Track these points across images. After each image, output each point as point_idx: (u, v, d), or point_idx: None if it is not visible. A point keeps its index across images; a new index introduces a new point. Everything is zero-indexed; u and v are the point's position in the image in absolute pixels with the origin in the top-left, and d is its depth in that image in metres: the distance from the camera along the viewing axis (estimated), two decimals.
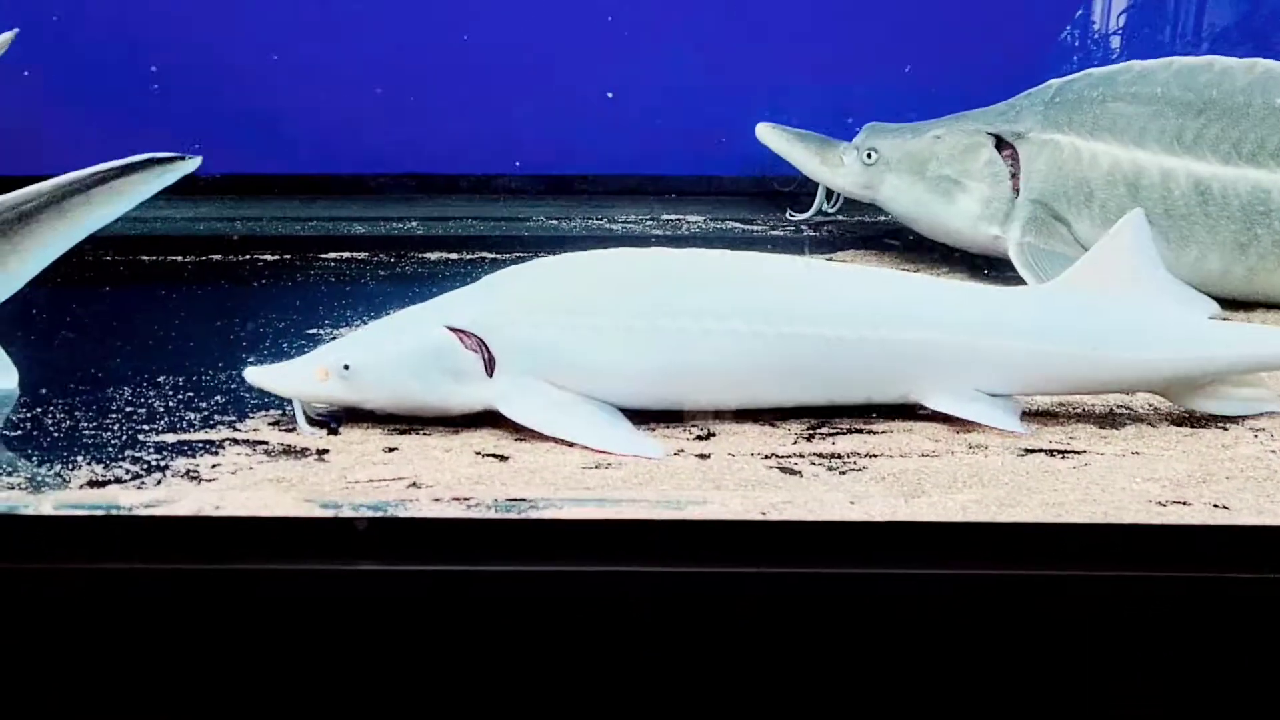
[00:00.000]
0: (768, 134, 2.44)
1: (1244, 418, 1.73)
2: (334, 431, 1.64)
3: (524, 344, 1.63)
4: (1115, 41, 2.80)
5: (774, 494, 1.45)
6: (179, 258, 2.49)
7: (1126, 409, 1.78)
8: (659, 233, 2.63)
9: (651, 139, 2.67)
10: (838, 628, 1.35)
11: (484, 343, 1.64)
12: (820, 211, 2.49)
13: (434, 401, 1.65)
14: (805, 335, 1.64)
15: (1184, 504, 1.41)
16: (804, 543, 1.34)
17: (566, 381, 1.63)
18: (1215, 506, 1.40)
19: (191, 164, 1.81)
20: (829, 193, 2.46)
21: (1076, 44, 2.84)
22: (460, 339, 1.64)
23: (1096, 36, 2.81)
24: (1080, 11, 2.80)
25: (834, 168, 2.40)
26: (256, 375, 1.66)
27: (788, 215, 2.55)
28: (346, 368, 1.65)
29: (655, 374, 1.64)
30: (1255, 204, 2.16)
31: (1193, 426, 1.71)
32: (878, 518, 1.35)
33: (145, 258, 2.48)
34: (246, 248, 2.51)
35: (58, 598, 1.34)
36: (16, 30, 1.66)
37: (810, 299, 1.67)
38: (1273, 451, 1.61)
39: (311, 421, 1.65)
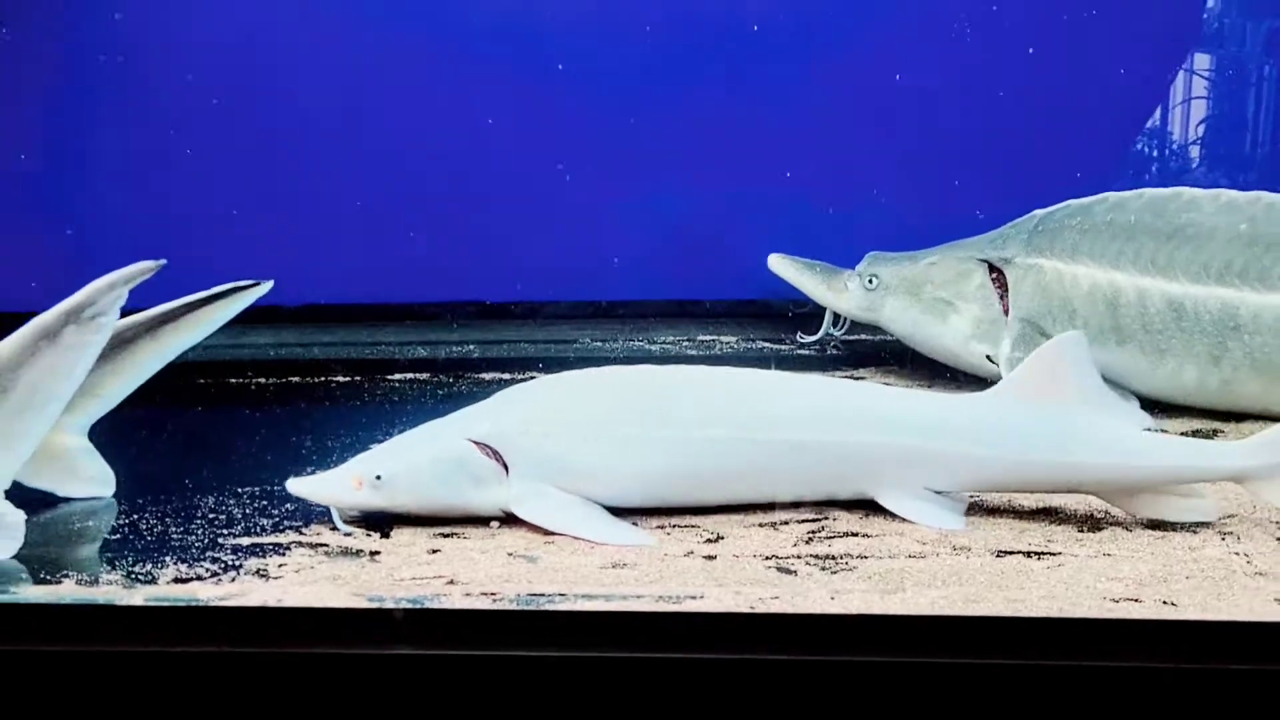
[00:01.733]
0: (779, 264, 2.67)
1: (1216, 523, 1.86)
2: (385, 536, 1.85)
3: (533, 453, 1.85)
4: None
5: (766, 590, 1.62)
6: (261, 380, 2.77)
7: (1106, 514, 1.93)
8: (694, 352, 2.84)
9: (688, 266, 2.90)
10: (817, 711, 1.51)
11: (498, 453, 1.86)
12: (828, 333, 2.69)
13: (457, 504, 1.87)
14: (776, 440, 1.86)
15: (1136, 601, 1.55)
16: (785, 633, 1.51)
17: (571, 485, 1.85)
18: (1164, 603, 1.54)
19: (264, 287, 2.08)
20: (835, 316, 2.66)
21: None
22: (478, 449, 1.86)
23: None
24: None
25: (839, 293, 2.61)
26: (297, 485, 1.89)
27: (798, 338, 2.76)
28: (379, 477, 1.86)
29: (648, 477, 1.86)
30: (1225, 319, 2.31)
31: (1165, 531, 1.85)
32: (852, 611, 1.52)
33: (232, 380, 2.76)
34: (321, 371, 2.78)
35: (146, 677, 1.57)
36: (163, 261, 1.92)
37: (780, 407, 1.89)
38: (1236, 554, 1.74)
39: (349, 522, 1.87)
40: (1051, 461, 1.84)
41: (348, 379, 2.76)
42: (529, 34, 2.85)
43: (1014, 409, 1.87)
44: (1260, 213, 2.30)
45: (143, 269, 1.84)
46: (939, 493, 1.87)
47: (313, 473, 1.95)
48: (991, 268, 2.50)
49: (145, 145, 2.87)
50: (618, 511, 1.89)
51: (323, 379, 2.76)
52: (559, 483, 1.85)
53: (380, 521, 1.89)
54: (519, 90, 2.85)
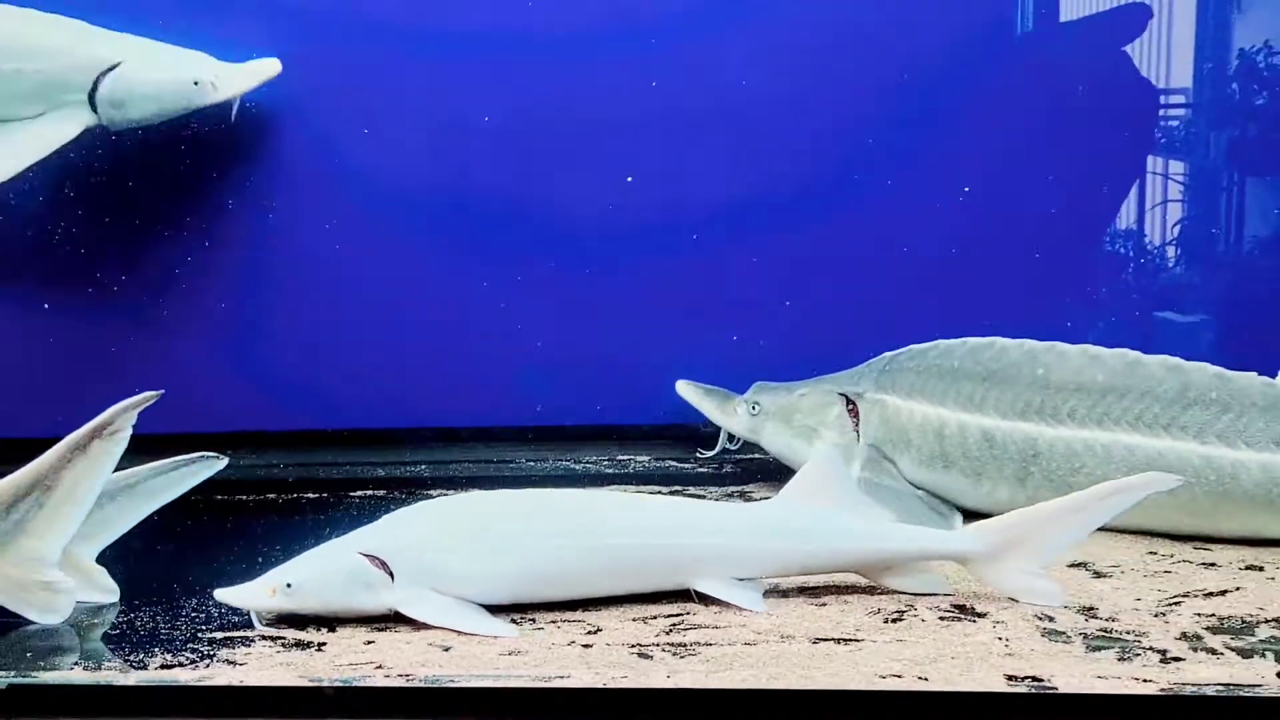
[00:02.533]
0: (684, 389, 3.15)
1: (991, 615, 2.31)
2: (331, 630, 2.30)
3: (414, 563, 2.29)
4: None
5: (621, 670, 2.07)
6: (243, 496, 3.25)
7: (913, 608, 2.36)
8: (611, 470, 3.33)
9: (611, 397, 3.40)
10: None
11: (385, 564, 2.28)
12: (724, 450, 3.16)
13: (354, 607, 2.27)
14: (611, 545, 2.34)
15: (897, 676, 1.99)
16: (628, 704, 1.96)
17: (448, 589, 2.29)
18: (919, 678, 1.98)
19: (222, 463, 2.62)
20: (730, 435, 3.14)
21: None
22: (370, 562, 2.28)
23: None
24: None
25: (730, 416, 3.08)
26: (223, 594, 2.28)
27: (697, 453, 3.23)
28: (289, 585, 2.25)
29: (513, 580, 2.31)
30: (1027, 448, 2.79)
31: (954, 621, 2.28)
32: (673, 686, 1.96)
33: (219, 496, 3.24)
34: (294, 489, 3.27)
35: None
36: (161, 392, 2.40)
37: (614, 520, 2.37)
38: (999, 639, 2.18)
39: (265, 623, 2.28)
40: (823, 549, 2.37)
41: (316, 495, 3.25)
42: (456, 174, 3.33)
43: (793, 511, 2.40)
44: (1054, 360, 2.79)
45: (147, 398, 2.35)
46: (744, 580, 2.36)
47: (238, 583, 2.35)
48: (848, 400, 2.98)
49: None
50: (498, 608, 2.30)
51: (294, 495, 3.24)
52: (437, 586, 2.29)
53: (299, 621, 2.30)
54: (457, 240, 3.35)
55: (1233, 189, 3.44)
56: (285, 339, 3.41)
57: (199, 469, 2.61)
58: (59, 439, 2.35)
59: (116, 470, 2.42)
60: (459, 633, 2.23)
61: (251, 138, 3.25)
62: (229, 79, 3.01)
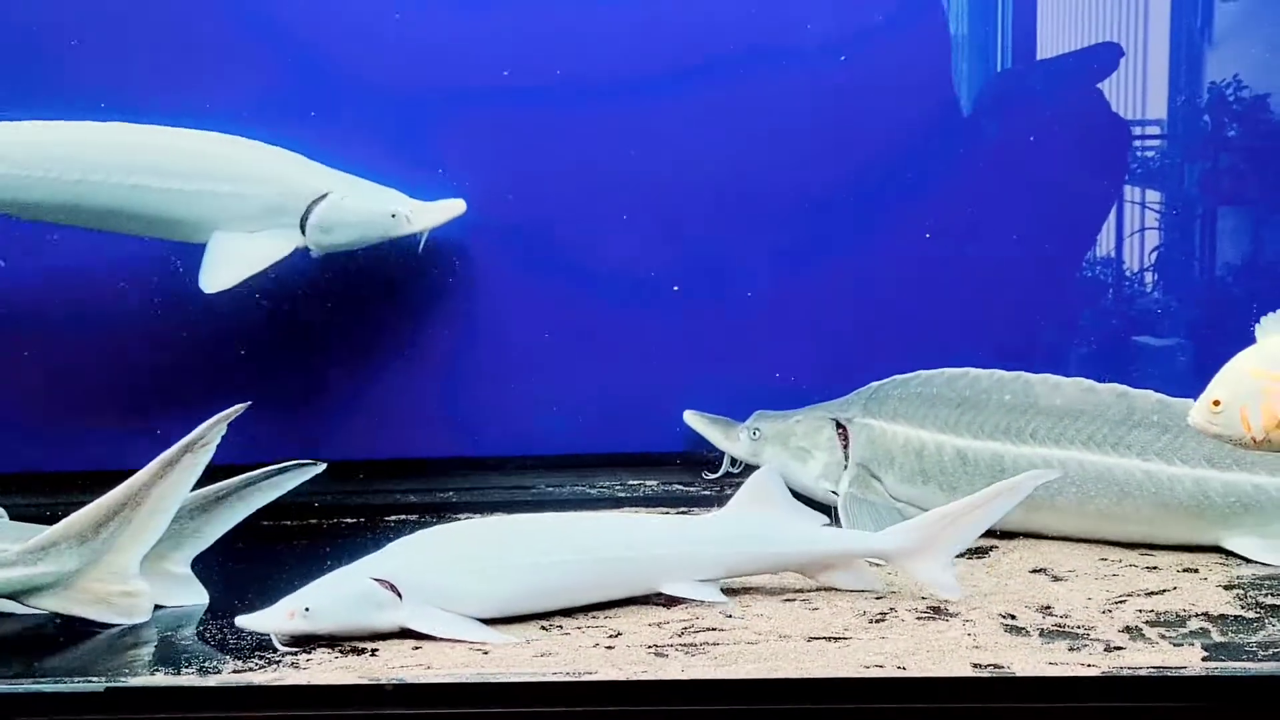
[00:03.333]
0: (691, 418, 3.48)
1: (962, 615, 2.62)
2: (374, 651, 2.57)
3: (421, 585, 2.54)
4: None
5: (640, 667, 2.38)
6: (287, 522, 3.56)
7: (894, 610, 2.68)
8: (623, 494, 3.66)
9: (622, 426, 3.72)
10: None
11: (394, 586, 2.52)
12: (727, 473, 3.48)
13: (366, 626, 2.50)
14: (599, 558, 2.66)
15: (879, 666, 2.31)
16: (648, 694, 2.27)
17: (452, 606, 2.55)
18: (899, 667, 2.30)
19: (320, 468, 2.95)
20: (733, 460, 3.46)
21: None
22: (379, 584, 2.52)
23: None
24: None
25: (733, 441, 3.41)
26: (244, 619, 2.47)
27: (704, 475, 3.56)
28: (307, 609, 2.45)
29: (510, 596, 2.60)
30: (995, 465, 3.14)
31: (929, 621, 2.59)
32: (685, 677, 2.28)
33: (265, 521, 3.51)
34: (332, 514, 3.59)
35: None
36: (249, 403, 2.73)
37: (605, 537, 2.70)
38: (968, 635, 2.49)
39: (285, 644, 2.47)
40: (768, 552, 2.74)
41: (353, 520, 3.57)
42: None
43: (741, 520, 2.77)
44: (1019, 387, 3.15)
45: (234, 411, 2.67)
46: (705, 580, 2.72)
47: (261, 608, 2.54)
48: (838, 424, 3.32)
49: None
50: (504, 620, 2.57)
51: (334, 520, 3.56)
52: (440, 604, 2.54)
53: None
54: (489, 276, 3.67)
55: (1207, 218, 3.75)
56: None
57: (291, 476, 2.92)
58: None
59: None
60: (462, 642, 2.48)
61: None
62: (421, 214, 3.38)
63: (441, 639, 2.49)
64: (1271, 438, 2.47)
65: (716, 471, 3.52)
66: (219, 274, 3.26)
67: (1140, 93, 3.69)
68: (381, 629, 2.52)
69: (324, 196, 3.33)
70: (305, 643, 2.49)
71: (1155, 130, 3.72)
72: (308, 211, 3.31)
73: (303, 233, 3.31)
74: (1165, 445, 3.03)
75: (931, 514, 2.74)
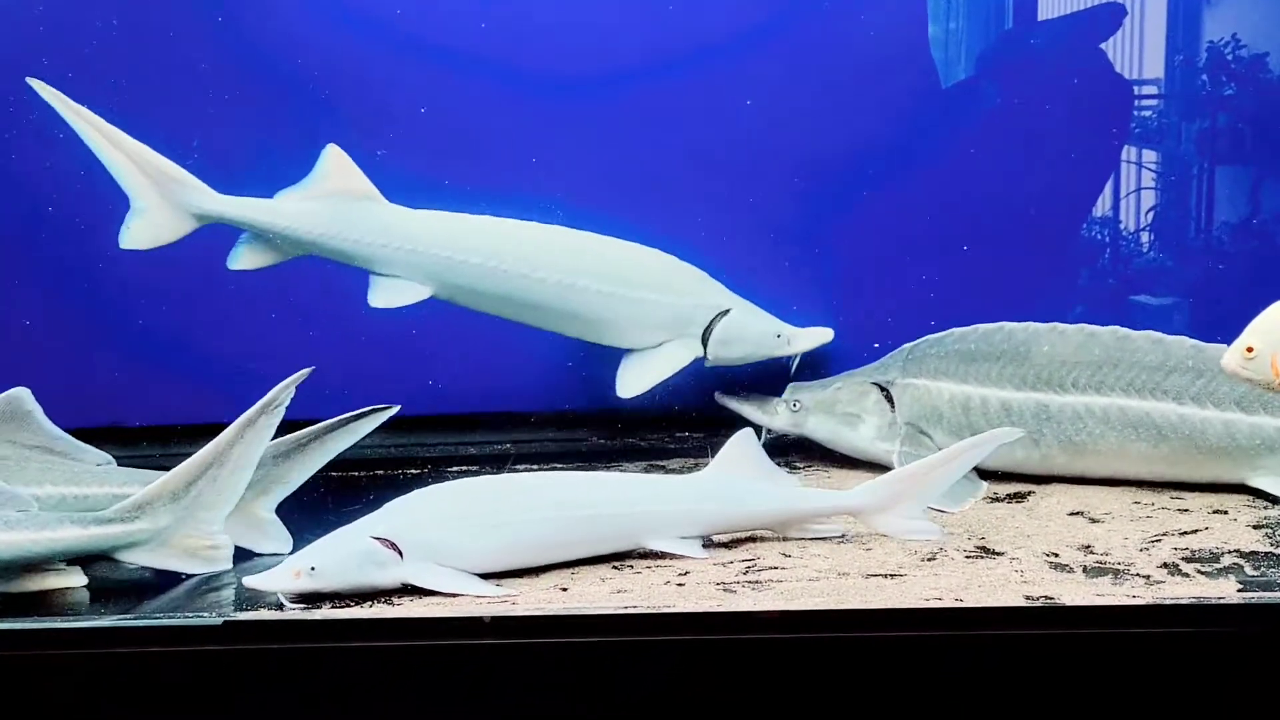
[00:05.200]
0: (723, 399, 3.64)
1: (1008, 553, 2.80)
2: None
3: (420, 542, 2.63)
4: None
5: (713, 601, 2.55)
6: (355, 473, 3.73)
7: (944, 550, 2.86)
8: (672, 446, 3.85)
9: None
10: (741, 674, 2.45)
11: (395, 545, 2.61)
12: (766, 444, 3.52)
13: (368, 583, 2.59)
14: (587, 515, 2.79)
15: (939, 599, 2.50)
16: (722, 625, 2.45)
17: (449, 561, 2.65)
18: (956, 600, 2.48)
19: (394, 410, 3.13)
20: (766, 430, 3.60)
21: None
22: (380, 544, 2.61)
23: None
24: None
25: (772, 415, 3.57)
26: (251, 580, 2.57)
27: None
28: (313, 569, 2.54)
29: (503, 551, 2.71)
30: (1040, 414, 3.31)
31: (978, 559, 2.77)
32: (755, 609, 2.46)
33: (333, 473, 3.69)
34: (399, 465, 3.77)
35: (320, 665, 2.49)
36: (314, 368, 2.93)
37: (589, 494, 2.84)
38: (1016, 572, 2.65)
39: (293, 603, 2.56)
40: (744, 511, 2.90)
41: (418, 471, 3.74)
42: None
43: (719, 480, 2.93)
44: (1056, 338, 3.33)
45: (304, 374, 2.87)
46: (686, 537, 2.85)
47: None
48: (881, 388, 3.49)
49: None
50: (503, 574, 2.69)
51: (400, 471, 3.73)
52: (441, 561, 2.65)
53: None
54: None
55: (1205, 179, 3.88)
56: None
57: (366, 422, 3.09)
58: None
59: None
60: (462, 595, 2.60)
61: None
62: (799, 338, 3.66)
63: (443, 594, 2.62)
64: None
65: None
66: (633, 382, 3.57)
67: (1139, 52, 3.83)
68: (384, 585, 2.62)
69: (726, 312, 3.58)
70: (311, 600, 2.60)
71: (1154, 90, 3.87)
72: (711, 325, 3.56)
73: (703, 345, 3.56)
74: (1199, 389, 3.21)
75: (898, 471, 2.93)
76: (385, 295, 3.51)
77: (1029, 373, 3.34)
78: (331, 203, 3.49)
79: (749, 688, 2.45)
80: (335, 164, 3.49)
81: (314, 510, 3.18)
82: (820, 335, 3.65)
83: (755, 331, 3.60)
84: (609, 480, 3.04)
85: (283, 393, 2.85)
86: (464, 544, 2.68)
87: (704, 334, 3.57)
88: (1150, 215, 3.88)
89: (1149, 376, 3.25)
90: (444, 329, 3.84)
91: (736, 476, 2.95)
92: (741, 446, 2.97)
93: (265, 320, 3.86)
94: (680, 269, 3.63)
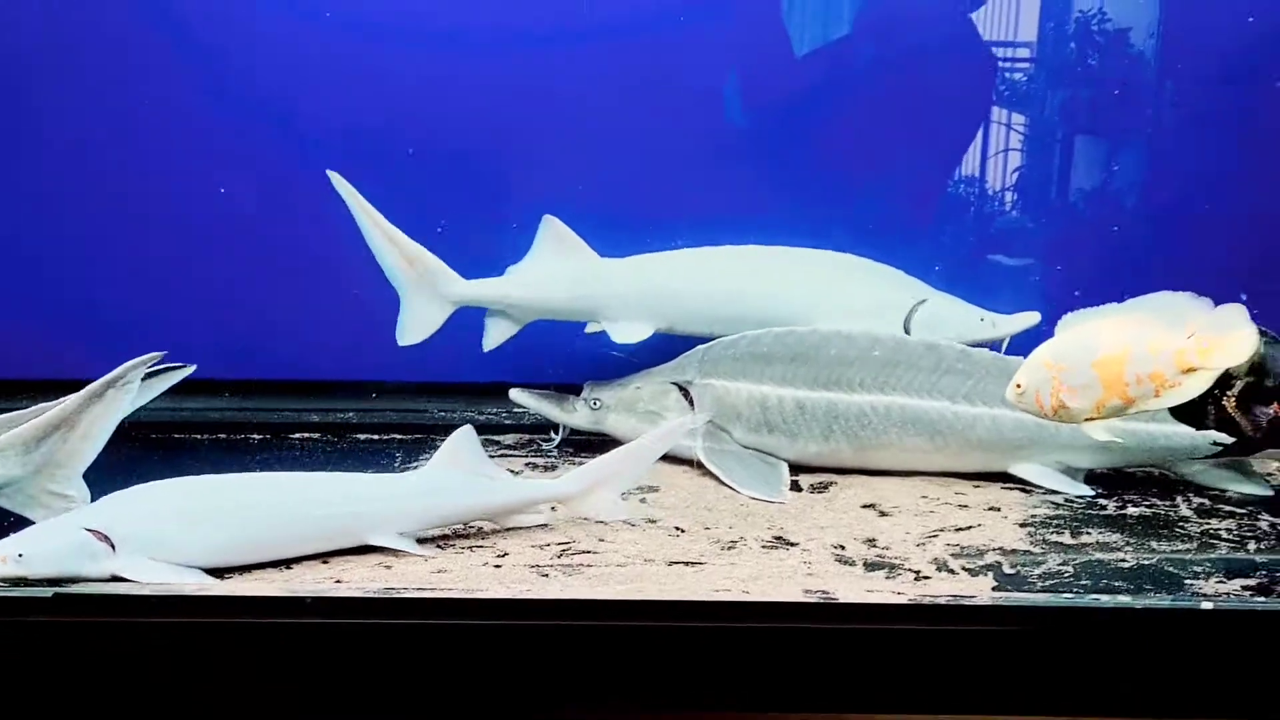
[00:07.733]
0: (519, 396, 3.77)
1: (801, 545, 3.05)
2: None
3: (132, 536, 2.68)
4: None
5: (525, 586, 2.75)
6: (197, 436, 3.83)
7: (744, 540, 3.10)
8: (509, 420, 4.02)
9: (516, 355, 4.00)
10: (542, 656, 2.65)
11: (107, 537, 2.65)
12: (563, 440, 3.81)
13: (79, 573, 2.62)
14: (306, 512, 2.91)
15: (728, 590, 2.74)
16: (530, 611, 2.64)
17: (163, 555, 2.71)
18: (743, 591, 2.71)
19: (189, 369, 3.35)
20: (561, 428, 3.80)
21: None
22: (93, 536, 2.64)
23: None
24: None
25: (570, 414, 3.74)
26: None
27: (541, 445, 3.84)
28: (20, 555, 2.57)
29: (220, 547, 2.78)
30: (831, 412, 3.60)
31: (773, 550, 3.01)
32: (561, 596, 2.67)
33: (176, 435, 3.82)
34: (241, 430, 3.86)
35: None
36: (165, 353, 3.14)
37: (308, 491, 2.97)
38: (804, 564, 2.90)
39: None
40: (463, 503, 3.09)
41: (260, 437, 3.85)
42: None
43: (442, 475, 3.11)
44: (843, 342, 3.60)
45: (152, 357, 3.04)
46: (404, 534, 2.99)
47: None
48: (680, 388, 3.71)
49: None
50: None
51: (242, 436, 3.83)
52: (154, 555, 2.71)
53: None
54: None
55: (1068, 146, 4.18)
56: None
57: (160, 380, 3.28)
58: None
59: None
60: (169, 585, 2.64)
61: None
62: (1004, 323, 3.85)
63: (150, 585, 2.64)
64: (1059, 414, 3.17)
65: (552, 441, 3.84)
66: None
67: (1011, 19, 4.09)
68: (94, 577, 2.66)
69: (924, 301, 3.83)
70: (23, 584, 2.63)
71: (1024, 54, 4.14)
72: (912, 311, 3.80)
73: (906, 329, 3.80)
74: (969, 390, 3.58)
75: (596, 461, 3.20)
76: (622, 335, 3.80)
77: (820, 374, 3.62)
78: (557, 268, 3.79)
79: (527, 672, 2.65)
80: (553, 232, 3.79)
81: (142, 472, 3.12)
82: (1027, 319, 3.87)
83: (960, 316, 3.84)
84: (330, 478, 3.13)
85: (131, 371, 2.97)
86: (181, 539, 2.73)
87: (905, 323, 3.82)
88: (1014, 176, 4.18)
89: (925, 378, 3.59)
90: (294, 296, 3.95)
91: (454, 471, 3.12)
92: (460, 442, 3.14)
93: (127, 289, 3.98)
94: (876, 268, 3.90)
